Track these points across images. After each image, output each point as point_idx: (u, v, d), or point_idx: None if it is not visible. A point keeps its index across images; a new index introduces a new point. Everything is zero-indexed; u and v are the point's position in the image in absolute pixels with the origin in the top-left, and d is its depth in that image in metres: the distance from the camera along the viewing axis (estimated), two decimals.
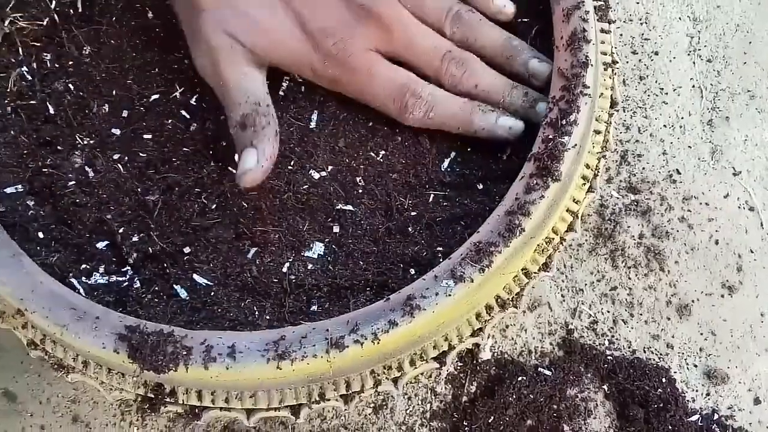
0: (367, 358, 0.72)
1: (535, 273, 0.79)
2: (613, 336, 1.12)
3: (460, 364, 1.11)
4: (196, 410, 0.76)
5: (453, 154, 0.85)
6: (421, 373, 1.08)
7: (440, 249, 0.79)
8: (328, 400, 0.76)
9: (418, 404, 1.08)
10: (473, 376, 1.09)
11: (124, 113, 0.87)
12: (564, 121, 0.75)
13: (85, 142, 0.86)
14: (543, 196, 0.74)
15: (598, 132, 0.81)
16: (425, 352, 0.77)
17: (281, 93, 0.87)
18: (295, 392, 0.75)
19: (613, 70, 0.85)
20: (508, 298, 0.79)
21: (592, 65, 0.77)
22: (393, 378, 0.77)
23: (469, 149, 0.85)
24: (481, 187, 0.83)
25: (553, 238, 0.79)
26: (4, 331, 1.11)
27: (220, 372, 0.69)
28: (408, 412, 1.08)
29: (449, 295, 0.71)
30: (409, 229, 0.81)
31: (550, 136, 0.75)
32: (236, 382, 0.72)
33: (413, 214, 0.82)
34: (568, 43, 0.79)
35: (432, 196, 0.83)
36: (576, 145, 0.75)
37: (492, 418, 1.05)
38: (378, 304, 0.72)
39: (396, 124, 0.86)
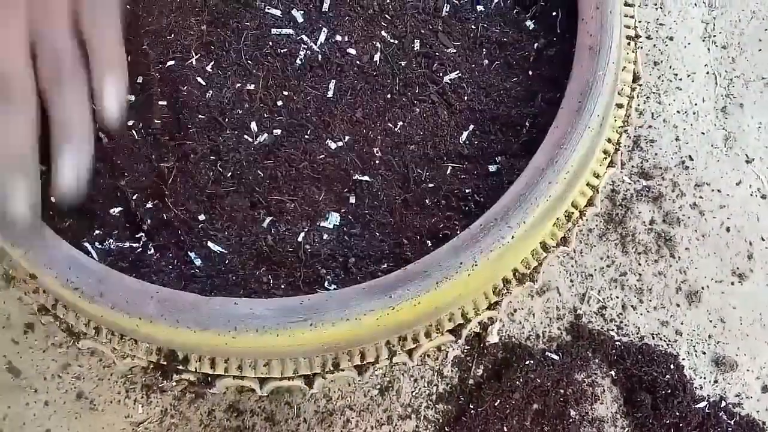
0: (383, 327, 0.71)
1: (553, 247, 0.79)
2: (621, 322, 1.12)
3: (467, 347, 1.10)
4: (209, 378, 0.76)
5: (471, 126, 0.84)
6: (435, 349, 1.08)
7: (457, 222, 0.79)
8: (342, 370, 0.75)
9: (424, 386, 1.08)
10: (480, 359, 1.09)
11: (139, 79, 0.86)
12: (589, 93, 0.74)
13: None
14: (563, 170, 0.73)
15: (620, 106, 0.80)
16: (441, 324, 0.76)
17: (298, 62, 0.86)
18: (309, 362, 0.74)
19: (635, 44, 0.84)
20: (526, 272, 0.78)
21: (616, 37, 0.77)
22: (408, 350, 0.77)
23: (488, 122, 0.84)
24: (499, 159, 0.82)
25: (573, 213, 0.79)
26: (9, 305, 1.10)
27: (236, 336, 0.68)
28: (414, 394, 1.07)
29: (467, 266, 0.70)
30: (427, 201, 0.80)
31: (575, 109, 0.75)
32: (250, 349, 0.71)
33: (431, 185, 0.81)
34: (593, 14, 0.78)
35: (450, 168, 0.82)
36: (599, 116, 0.74)
37: (498, 401, 1.05)
38: (395, 274, 0.71)
39: (415, 95, 0.86)
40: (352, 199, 0.81)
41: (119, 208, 0.81)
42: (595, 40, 0.76)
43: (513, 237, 0.71)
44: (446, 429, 1.06)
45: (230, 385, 0.76)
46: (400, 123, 0.84)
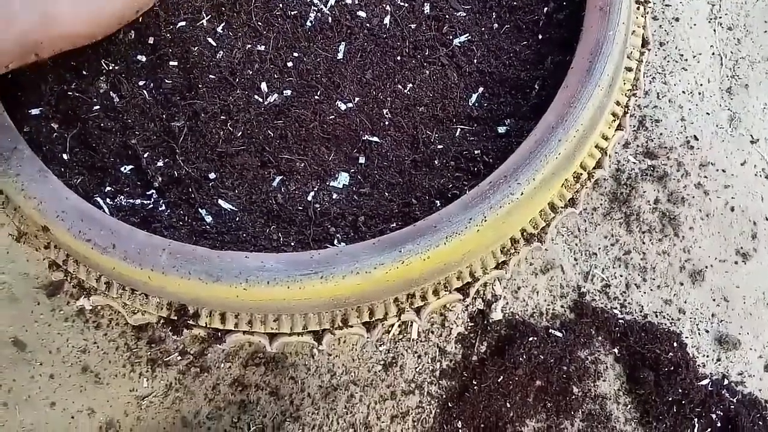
0: (392, 283, 0.72)
1: (561, 208, 0.79)
2: (625, 300, 1.12)
3: (471, 324, 1.11)
4: (219, 333, 0.76)
5: (481, 89, 0.84)
6: (439, 325, 1.08)
7: (466, 182, 0.79)
8: (351, 326, 0.75)
9: (428, 363, 1.08)
10: (484, 336, 1.09)
11: (150, 40, 0.86)
12: (599, 52, 0.75)
13: (111, 68, 0.85)
14: (573, 128, 0.73)
15: (629, 69, 0.81)
16: (449, 282, 0.76)
17: (309, 23, 0.86)
18: (318, 317, 0.75)
19: (645, 8, 0.85)
20: (534, 233, 0.78)
21: None
22: (416, 307, 0.77)
23: (497, 85, 0.85)
24: (509, 122, 0.82)
25: (581, 174, 0.79)
26: (14, 279, 1.10)
27: (247, 289, 0.68)
28: (418, 370, 1.07)
29: (476, 222, 0.71)
30: (435, 162, 0.81)
31: (585, 69, 0.75)
32: (261, 303, 0.71)
33: (440, 147, 0.82)
34: None
35: (459, 130, 0.83)
36: (609, 75, 0.74)
37: (501, 377, 1.05)
38: (405, 229, 0.71)
39: (425, 58, 0.86)
40: (362, 160, 0.82)
41: (130, 166, 0.81)
42: (605, 0, 0.77)
43: (522, 194, 0.71)
44: (449, 405, 1.06)
45: (240, 340, 0.76)
46: (410, 85, 0.84)
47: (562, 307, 1.12)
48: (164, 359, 1.06)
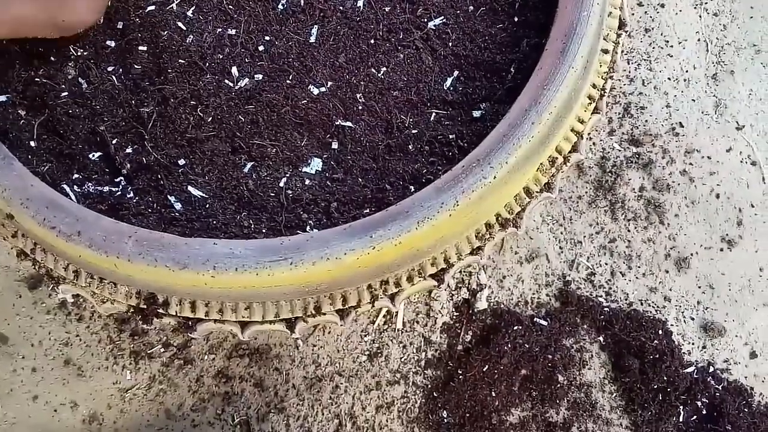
0: (364, 269, 0.70)
1: (537, 192, 0.78)
2: (610, 288, 1.11)
3: (456, 313, 1.10)
4: (190, 322, 0.75)
5: (456, 72, 0.83)
6: (424, 315, 1.07)
7: (441, 167, 0.78)
8: (324, 314, 0.74)
9: (413, 353, 1.07)
10: (469, 325, 1.08)
11: (119, 24, 0.85)
12: (573, 34, 0.73)
13: (79, 54, 0.84)
14: (546, 110, 0.72)
15: (605, 51, 0.79)
16: (423, 268, 0.75)
17: (280, 7, 0.85)
18: (290, 305, 0.74)
19: None
20: (509, 218, 0.77)
21: None
22: (390, 294, 0.76)
23: (473, 68, 0.84)
24: (484, 105, 0.81)
25: (557, 158, 0.78)
26: None
27: (215, 276, 0.67)
28: (402, 360, 1.06)
29: (448, 206, 0.70)
30: (410, 146, 0.80)
31: (559, 50, 0.74)
32: (230, 291, 0.70)
33: (414, 131, 0.80)
34: None
35: (433, 114, 0.81)
36: (583, 57, 0.73)
37: (487, 366, 1.04)
38: (377, 215, 0.70)
39: (399, 41, 0.85)
40: (335, 145, 0.80)
41: (98, 153, 0.80)
42: None
43: (495, 177, 0.70)
44: (435, 394, 1.05)
45: (211, 329, 0.75)
46: (384, 69, 0.83)
47: (547, 295, 1.12)
48: (147, 351, 1.06)
